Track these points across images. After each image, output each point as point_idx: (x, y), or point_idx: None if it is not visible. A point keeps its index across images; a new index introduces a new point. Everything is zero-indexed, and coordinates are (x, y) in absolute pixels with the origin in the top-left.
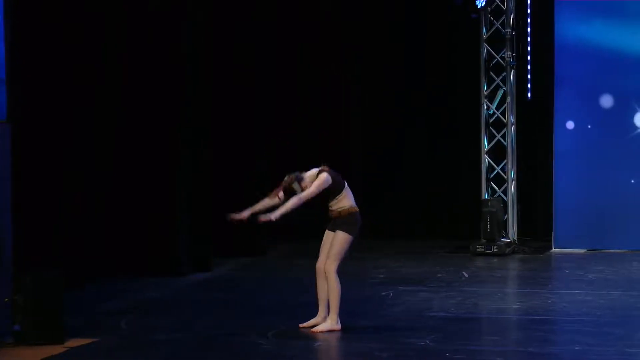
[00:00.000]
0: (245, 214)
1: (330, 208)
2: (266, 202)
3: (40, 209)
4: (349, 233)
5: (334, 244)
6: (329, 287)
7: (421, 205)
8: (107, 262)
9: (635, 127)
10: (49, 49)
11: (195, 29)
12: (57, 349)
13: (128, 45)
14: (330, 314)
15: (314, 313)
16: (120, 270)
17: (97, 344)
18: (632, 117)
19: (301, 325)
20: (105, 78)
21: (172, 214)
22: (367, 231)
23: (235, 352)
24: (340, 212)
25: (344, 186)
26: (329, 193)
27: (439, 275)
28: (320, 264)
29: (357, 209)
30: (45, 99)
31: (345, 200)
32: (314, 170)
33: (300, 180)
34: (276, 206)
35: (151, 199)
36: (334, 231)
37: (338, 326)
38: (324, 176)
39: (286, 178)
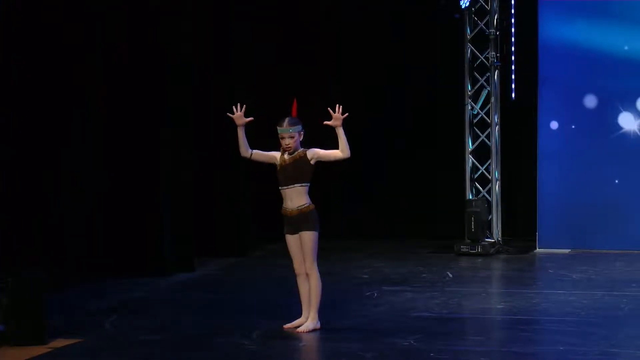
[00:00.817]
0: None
1: (285, 206)
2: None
3: (23, 209)
4: (315, 230)
5: (305, 246)
6: (311, 286)
7: (405, 205)
8: (91, 262)
9: (619, 127)
10: (37, 48)
11: (185, 30)
12: (41, 350)
13: (116, 47)
14: (311, 313)
15: (298, 313)
16: (104, 270)
17: (81, 344)
18: (615, 117)
19: (285, 325)
20: (87, 78)
21: (155, 214)
22: (350, 231)
23: (219, 352)
24: (300, 209)
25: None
26: (295, 173)
27: (423, 275)
28: (298, 267)
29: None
30: (29, 99)
31: (306, 196)
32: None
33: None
34: None
35: (134, 199)
36: (297, 233)
37: (318, 325)
38: (318, 153)
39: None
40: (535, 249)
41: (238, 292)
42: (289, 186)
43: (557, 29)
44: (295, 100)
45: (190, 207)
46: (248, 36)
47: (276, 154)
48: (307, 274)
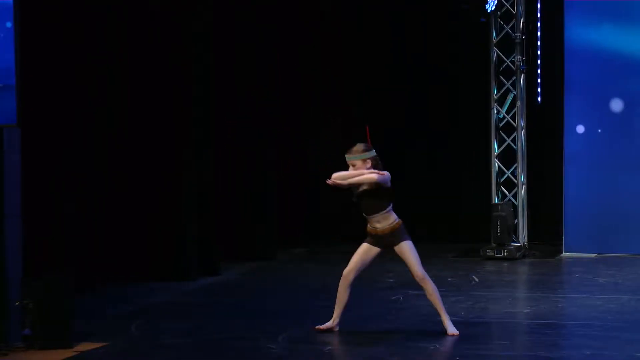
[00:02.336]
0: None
1: (374, 226)
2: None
3: (50, 213)
4: (410, 239)
5: (408, 256)
6: (429, 290)
7: (431, 209)
8: (116, 266)
9: None
10: (50, 50)
11: (199, 30)
12: (67, 353)
13: (131, 47)
14: (443, 318)
15: (324, 317)
16: (129, 274)
17: (106, 348)
18: None
19: (317, 327)
20: (112, 81)
21: (181, 218)
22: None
23: (244, 356)
24: (392, 227)
25: (391, 202)
26: (373, 200)
27: (449, 279)
28: (349, 272)
29: (400, 224)
30: (51, 102)
31: (392, 214)
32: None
33: (375, 161)
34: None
35: (159, 203)
36: (389, 247)
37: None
38: (387, 174)
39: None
40: (561, 253)
41: (263, 296)
42: (376, 212)
43: (583, 33)
44: (367, 128)
45: (215, 211)
46: (271, 38)
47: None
48: (420, 283)
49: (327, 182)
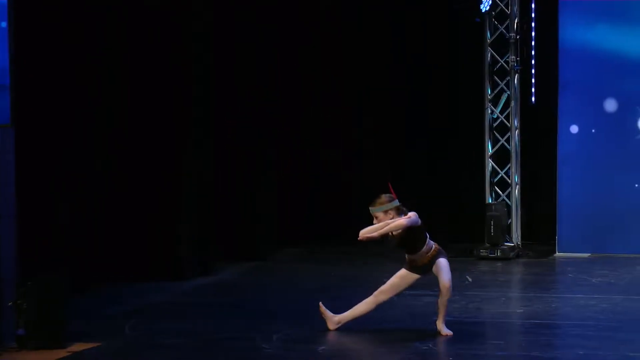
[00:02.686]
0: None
1: (418, 263)
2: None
3: (43, 213)
4: (445, 256)
5: (440, 268)
6: (444, 299)
7: (424, 209)
8: (110, 266)
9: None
10: (46, 50)
11: (198, 30)
12: (61, 354)
13: (129, 47)
14: (440, 318)
15: (319, 317)
16: (123, 274)
17: (100, 348)
18: (636, 121)
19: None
20: (109, 80)
21: (175, 218)
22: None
23: (239, 356)
24: (430, 257)
25: (426, 234)
26: (412, 241)
27: None
28: (381, 291)
29: (437, 251)
30: (46, 101)
31: (429, 244)
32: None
33: (397, 210)
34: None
35: (154, 203)
36: (428, 272)
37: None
38: (414, 214)
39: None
40: (555, 253)
41: (258, 296)
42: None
43: (577, 33)
44: (389, 184)
45: (210, 211)
46: (271, 38)
47: None
48: (442, 290)
49: (358, 239)
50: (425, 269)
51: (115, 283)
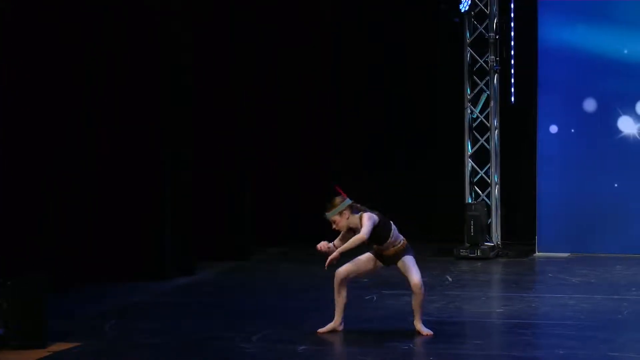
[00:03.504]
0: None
1: (383, 252)
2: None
3: (23, 212)
4: (412, 254)
5: (408, 268)
6: (418, 299)
7: (404, 209)
8: (90, 266)
9: (619, 131)
10: (35, 50)
11: (178, 33)
12: (40, 353)
13: (114, 48)
14: (417, 319)
15: (298, 317)
16: (104, 274)
17: (80, 348)
18: (615, 120)
19: (320, 330)
20: (90, 81)
21: (156, 218)
22: None
23: (219, 356)
24: (396, 250)
25: (391, 227)
26: (376, 237)
27: (423, 279)
28: (341, 270)
29: (405, 245)
30: (33, 100)
31: (397, 238)
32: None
33: (351, 208)
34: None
35: (135, 203)
36: (392, 264)
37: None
38: (369, 215)
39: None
40: (535, 252)
41: (238, 296)
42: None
43: (556, 33)
44: (336, 187)
45: (191, 211)
46: (250, 36)
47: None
48: (414, 289)
49: (326, 265)
50: (389, 260)
51: (96, 283)
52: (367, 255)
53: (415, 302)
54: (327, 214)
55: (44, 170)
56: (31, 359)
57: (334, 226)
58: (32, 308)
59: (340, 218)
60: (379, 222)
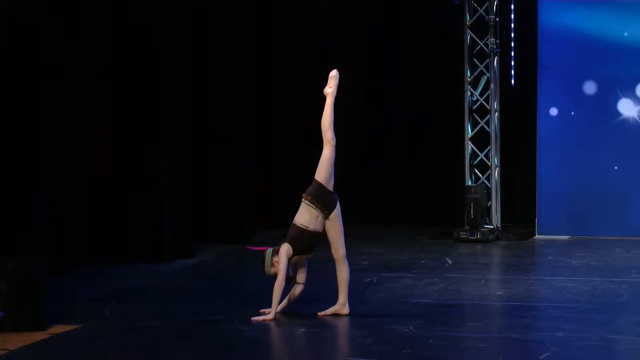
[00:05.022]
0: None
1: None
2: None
3: (23, 195)
4: (332, 209)
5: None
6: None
7: (404, 192)
8: (90, 248)
9: (619, 114)
10: (24, 35)
11: (175, 28)
12: (40, 336)
13: (112, 28)
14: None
15: (298, 299)
16: (103, 256)
17: (80, 330)
18: (615, 103)
19: (320, 313)
20: (89, 61)
21: (155, 200)
22: (349, 218)
23: (218, 338)
24: (318, 213)
25: (297, 225)
26: (307, 239)
27: (423, 261)
28: (333, 251)
29: (309, 195)
30: (22, 85)
31: (308, 215)
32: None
33: (276, 252)
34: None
35: (134, 185)
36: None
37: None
38: (281, 254)
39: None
40: (535, 235)
41: (237, 278)
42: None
43: (556, 16)
44: (250, 248)
45: (190, 193)
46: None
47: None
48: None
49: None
50: (329, 205)
51: (96, 265)
52: (327, 223)
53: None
54: (265, 273)
55: (42, 153)
56: (31, 341)
57: (279, 277)
58: (32, 290)
59: (275, 267)
60: (293, 242)
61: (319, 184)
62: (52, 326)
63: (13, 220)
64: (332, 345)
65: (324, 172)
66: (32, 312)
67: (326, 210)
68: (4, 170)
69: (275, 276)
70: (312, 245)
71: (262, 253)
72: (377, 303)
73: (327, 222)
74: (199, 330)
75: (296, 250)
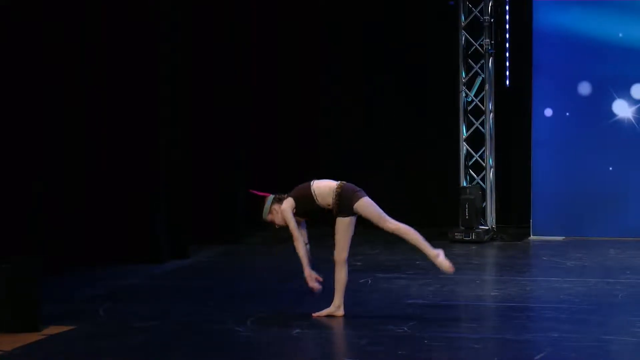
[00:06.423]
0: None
1: (324, 210)
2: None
3: (18, 196)
4: (346, 215)
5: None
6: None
7: (399, 193)
8: (85, 249)
9: (613, 115)
10: (31, 41)
11: (175, 28)
12: (34, 337)
13: (113, 37)
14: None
15: (293, 300)
16: (98, 257)
17: (74, 331)
18: (610, 104)
19: (314, 314)
20: (83, 59)
21: (150, 201)
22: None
23: (212, 339)
24: (332, 204)
25: (310, 188)
26: (307, 210)
27: (417, 262)
28: (335, 253)
29: (340, 189)
30: (20, 82)
31: (326, 195)
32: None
33: (278, 200)
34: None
35: (129, 186)
36: (344, 215)
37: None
38: (284, 208)
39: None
40: (529, 236)
41: (232, 279)
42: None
43: (551, 16)
44: (251, 191)
45: (185, 194)
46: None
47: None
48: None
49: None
50: (344, 211)
51: (90, 266)
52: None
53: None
54: (263, 219)
55: (38, 154)
56: (25, 342)
57: (275, 226)
58: (26, 291)
59: (274, 215)
60: (296, 201)
61: (351, 197)
62: (46, 327)
63: (6, 220)
64: (327, 346)
65: (370, 213)
66: (27, 312)
67: (339, 211)
68: (3, 170)
69: (270, 223)
70: (313, 214)
71: (264, 198)
72: (372, 304)
73: (339, 224)
74: (193, 331)
75: (296, 212)
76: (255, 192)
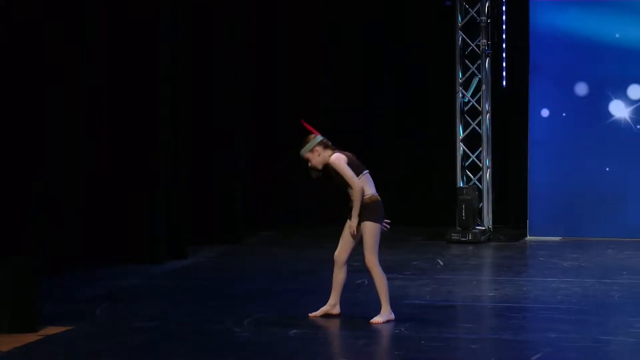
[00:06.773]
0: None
1: (345, 195)
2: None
3: (18, 196)
4: (375, 221)
5: (365, 237)
6: (375, 280)
7: (396, 193)
8: (85, 249)
9: (610, 115)
10: (30, 41)
11: (175, 28)
12: (32, 337)
13: (113, 37)
14: (383, 306)
15: (292, 300)
16: (97, 257)
17: (72, 331)
18: (606, 105)
19: (311, 314)
20: (82, 60)
21: (149, 201)
22: (342, 219)
23: (210, 339)
24: (358, 199)
25: (362, 171)
26: (343, 180)
27: (414, 263)
28: (337, 253)
29: (379, 197)
30: (20, 82)
31: (366, 188)
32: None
33: (323, 145)
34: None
35: (128, 186)
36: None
37: (392, 315)
38: (340, 159)
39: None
40: (526, 236)
41: (231, 279)
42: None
43: (548, 17)
44: (303, 122)
45: (185, 194)
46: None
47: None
48: (367, 269)
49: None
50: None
51: (89, 266)
52: (346, 224)
53: (376, 285)
54: (301, 152)
55: (37, 154)
56: (23, 343)
57: (309, 164)
58: (25, 291)
59: (313, 155)
60: (349, 161)
61: (373, 213)
62: (44, 327)
63: (7, 221)
64: (324, 346)
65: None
66: (25, 313)
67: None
68: (3, 170)
69: (306, 160)
70: (338, 187)
71: (311, 135)
72: (369, 304)
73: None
74: (191, 331)
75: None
76: (306, 124)
